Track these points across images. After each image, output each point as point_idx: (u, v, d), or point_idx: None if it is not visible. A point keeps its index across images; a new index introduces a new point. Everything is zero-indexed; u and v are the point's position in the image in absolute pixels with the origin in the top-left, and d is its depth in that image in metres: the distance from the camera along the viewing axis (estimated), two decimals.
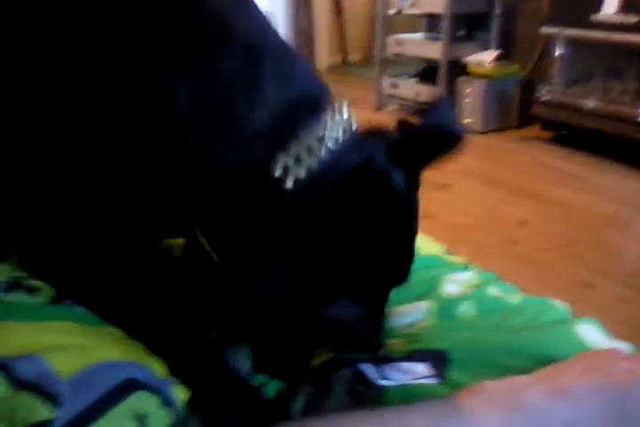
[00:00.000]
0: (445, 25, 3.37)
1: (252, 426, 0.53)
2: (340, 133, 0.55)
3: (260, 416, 0.58)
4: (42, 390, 0.49)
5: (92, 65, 0.50)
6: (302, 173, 0.52)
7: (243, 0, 0.58)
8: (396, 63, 3.96)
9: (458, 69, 3.46)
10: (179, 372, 0.57)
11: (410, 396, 0.60)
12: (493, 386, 0.55)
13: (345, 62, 5.13)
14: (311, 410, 0.60)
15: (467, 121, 3.40)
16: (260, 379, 0.67)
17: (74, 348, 0.55)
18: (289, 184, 0.52)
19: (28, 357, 0.52)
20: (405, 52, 3.74)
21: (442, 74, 3.46)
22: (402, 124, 0.60)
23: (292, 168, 0.52)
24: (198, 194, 0.54)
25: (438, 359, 0.64)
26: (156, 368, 0.56)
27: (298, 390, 0.63)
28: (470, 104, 3.39)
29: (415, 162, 0.59)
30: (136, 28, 0.50)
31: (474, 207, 2.54)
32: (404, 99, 3.75)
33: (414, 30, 3.93)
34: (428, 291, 0.77)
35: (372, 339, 0.67)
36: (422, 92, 3.61)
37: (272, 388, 0.66)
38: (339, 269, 0.56)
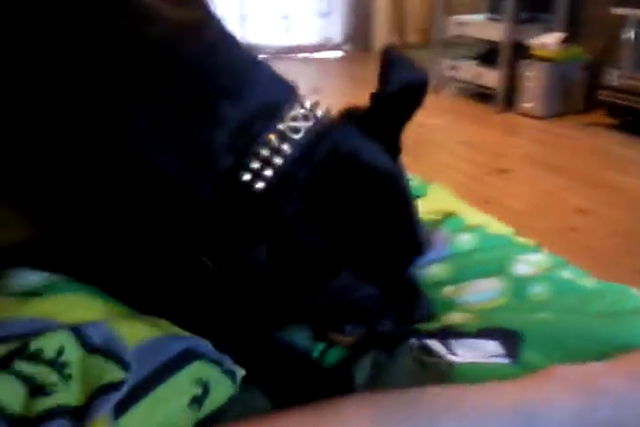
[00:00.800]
0: (509, 6, 3.27)
1: (315, 397, 0.53)
2: (306, 126, 0.57)
3: (321, 387, 0.59)
4: (112, 354, 0.51)
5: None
6: (269, 172, 0.54)
7: (196, 21, 0.59)
8: (455, 45, 3.87)
9: (520, 52, 3.36)
10: (230, 349, 0.59)
11: (480, 374, 0.59)
12: (571, 370, 0.54)
13: (403, 44, 5.05)
14: (376, 379, 0.60)
15: (527, 106, 3.32)
16: (321, 346, 0.67)
17: (138, 320, 0.58)
18: (259, 186, 0.54)
19: (96, 323, 0.54)
20: (466, 33, 3.65)
21: (503, 57, 3.37)
22: (371, 98, 0.60)
23: (259, 170, 0.54)
24: (182, 214, 0.57)
25: (510, 339, 0.63)
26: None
27: (361, 357, 0.63)
28: (532, 88, 3.29)
29: (390, 126, 0.60)
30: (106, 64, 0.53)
31: (533, 193, 2.48)
32: (463, 81, 3.68)
33: (475, 11, 3.83)
34: (499, 270, 0.75)
35: (407, 322, 0.66)
36: (482, 74, 3.53)
37: (334, 354, 0.66)
38: (330, 249, 0.57)
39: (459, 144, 3.03)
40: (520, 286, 0.72)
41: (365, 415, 0.49)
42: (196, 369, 0.53)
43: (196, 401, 0.51)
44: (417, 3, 4.91)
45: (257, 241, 0.55)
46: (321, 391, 0.56)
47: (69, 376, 0.49)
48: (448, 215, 0.88)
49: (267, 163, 0.54)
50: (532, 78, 3.28)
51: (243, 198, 0.55)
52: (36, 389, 0.47)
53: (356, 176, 0.56)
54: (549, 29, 3.43)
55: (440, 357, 0.61)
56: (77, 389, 0.48)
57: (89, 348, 0.51)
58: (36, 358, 0.49)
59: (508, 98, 3.42)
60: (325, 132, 0.57)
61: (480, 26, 3.57)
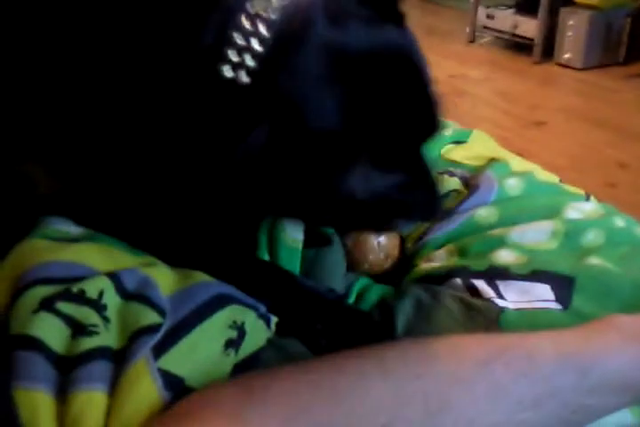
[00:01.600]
0: None
1: (355, 343, 0.51)
2: (277, 4, 0.49)
3: (360, 332, 0.57)
4: (147, 299, 0.51)
5: None
6: (249, 61, 0.48)
7: None
8: None
9: None
10: (262, 298, 0.57)
11: (531, 320, 0.57)
12: (628, 321, 0.52)
13: None
14: (419, 322, 0.58)
15: (567, 56, 3.19)
16: (363, 281, 0.66)
17: (171, 270, 0.58)
18: (244, 79, 0.48)
19: (132, 270, 0.54)
20: None
21: (543, 4, 3.22)
22: None
23: (237, 61, 0.48)
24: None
25: (562, 284, 0.61)
26: None
27: (404, 294, 0.61)
28: (573, 38, 3.16)
29: None
30: None
31: (571, 147, 2.40)
32: (500, 31, 3.53)
33: None
34: (550, 214, 0.72)
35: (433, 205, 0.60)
36: (520, 23, 3.38)
37: (376, 291, 0.64)
38: (343, 129, 0.50)
39: (494, 96, 2.94)
40: (572, 229, 0.69)
41: (409, 367, 0.47)
42: (231, 313, 0.53)
43: (233, 344, 0.51)
44: None
45: (253, 126, 0.48)
46: (360, 337, 0.55)
47: (108, 320, 0.49)
48: (492, 161, 0.85)
49: (243, 51, 0.48)
50: (574, 27, 3.14)
51: (230, 97, 0.48)
52: (78, 329, 0.47)
53: (345, 51, 0.49)
54: None
55: (488, 300, 0.59)
56: (116, 332, 0.49)
57: (125, 293, 0.52)
58: (78, 298, 0.49)
59: (546, 48, 3.29)
60: (305, 8, 0.50)
61: None
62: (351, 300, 0.64)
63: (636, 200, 2.00)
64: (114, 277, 0.52)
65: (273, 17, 0.49)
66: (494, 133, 2.66)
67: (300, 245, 0.64)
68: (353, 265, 0.68)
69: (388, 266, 0.70)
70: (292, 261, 0.63)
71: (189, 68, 0.49)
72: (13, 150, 0.62)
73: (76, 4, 0.52)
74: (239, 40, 0.48)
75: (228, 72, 0.48)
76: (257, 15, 0.49)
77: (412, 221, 0.63)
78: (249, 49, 0.48)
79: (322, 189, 0.52)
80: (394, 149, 0.54)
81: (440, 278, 0.64)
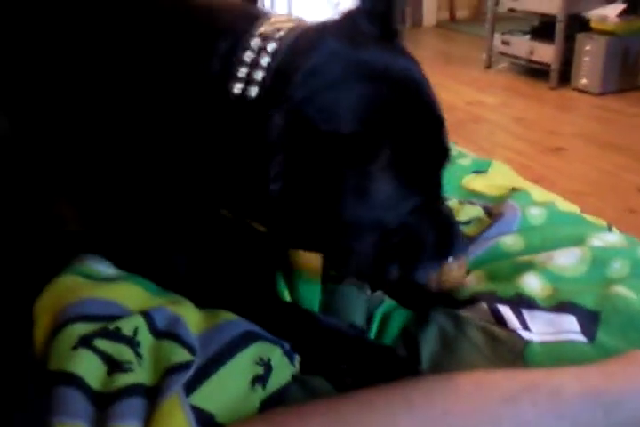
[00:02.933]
0: None
1: (381, 379, 0.51)
2: (287, 25, 0.52)
3: (385, 368, 0.57)
4: (178, 337, 0.53)
5: None
6: (259, 75, 0.49)
7: None
8: (507, 19, 3.75)
9: (577, 25, 3.22)
10: (285, 336, 0.58)
11: (556, 353, 0.57)
12: None
13: (453, 19, 4.92)
14: (443, 355, 0.58)
15: (584, 81, 3.19)
16: (387, 306, 0.66)
17: (198, 309, 0.59)
18: (252, 93, 0.49)
19: (163, 308, 0.56)
20: (520, 7, 3.52)
21: (559, 30, 3.24)
22: None
23: (247, 77, 0.49)
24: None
25: (587, 316, 0.61)
26: None
27: (428, 323, 0.61)
28: (590, 63, 3.16)
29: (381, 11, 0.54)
30: None
31: (590, 173, 2.39)
32: (517, 57, 3.55)
33: None
34: (575, 245, 0.72)
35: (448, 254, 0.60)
36: (537, 49, 3.41)
37: (399, 317, 0.64)
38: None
39: (511, 121, 2.95)
40: (599, 257, 0.69)
41: (436, 404, 0.47)
42: (257, 349, 0.54)
43: (260, 380, 0.52)
44: None
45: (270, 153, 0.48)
46: (386, 374, 0.55)
47: (142, 357, 0.51)
48: (513, 191, 0.85)
49: (254, 65, 0.50)
50: (590, 53, 3.15)
51: (242, 115, 0.49)
52: (114, 365, 0.49)
53: (354, 64, 0.50)
54: (609, 1, 3.28)
55: (513, 331, 0.59)
56: (149, 369, 0.50)
57: (157, 332, 0.53)
58: (114, 336, 0.51)
59: (563, 73, 3.30)
60: (313, 29, 0.52)
61: None
62: (374, 326, 0.64)
63: None
64: (146, 315, 0.54)
65: (280, 34, 0.51)
66: (512, 159, 2.67)
67: (319, 279, 0.65)
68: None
69: (462, 279, 0.68)
70: (311, 296, 0.64)
71: (203, 92, 0.50)
72: (47, 191, 0.64)
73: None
74: (248, 56, 0.50)
75: (236, 89, 0.49)
76: (266, 34, 0.51)
77: (433, 261, 0.60)
78: (257, 63, 0.49)
79: (340, 215, 0.51)
80: (414, 171, 0.53)
81: (466, 302, 0.64)
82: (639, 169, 2.40)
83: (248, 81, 0.49)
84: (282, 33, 0.51)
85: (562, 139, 2.71)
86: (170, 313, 0.55)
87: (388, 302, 0.67)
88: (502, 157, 2.42)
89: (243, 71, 0.50)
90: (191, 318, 0.56)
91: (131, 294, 0.58)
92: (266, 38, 0.51)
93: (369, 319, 0.64)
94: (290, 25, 0.53)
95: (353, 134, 0.48)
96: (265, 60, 0.50)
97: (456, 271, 0.66)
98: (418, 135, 0.53)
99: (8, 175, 0.63)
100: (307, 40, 0.50)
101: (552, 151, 2.55)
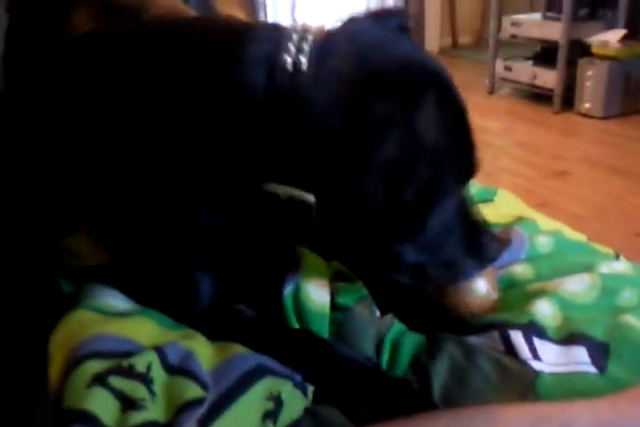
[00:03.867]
0: (566, 3, 3.18)
1: (393, 413, 0.51)
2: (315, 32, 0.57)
3: (398, 401, 0.57)
4: (191, 373, 0.53)
5: None
6: (304, 58, 0.53)
7: None
8: (509, 45, 3.79)
9: (579, 51, 3.26)
10: (301, 366, 0.59)
11: (567, 385, 0.57)
12: None
13: (455, 45, 4.98)
14: (455, 387, 0.58)
15: (587, 106, 3.22)
16: (396, 331, 0.66)
17: (209, 342, 0.60)
18: (303, 61, 0.53)
19: (175, 344, 0.57)
20: (522, 33, 3.57)
21: (561, 55, 3.28)
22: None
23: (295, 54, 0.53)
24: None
25: (598, 347, 0.61)
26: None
27: (439, 352, 0.61)
28: (592, 88, 3.19)
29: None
30: None
31: (595, 197, 2.40)
32: (519, 82, 3.59)
33: (531, 10, 3.75)
34: (584, 271, 0.72)
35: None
36: (538, 75, 3.44)
37: (410, 344, 0.64)
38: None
39: (516, 146, 2.96)
40: (609, 284, 0.70)
41: None
42: (267, 384, 0.54)
43: (271, 416, 0.52)
44: (469, 3, 4.84)
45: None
46: (399, 406, 0.55)
47: (155, 394, 0.51)
48: (520, 219, 0.86)
49: (299, 51, 0.54)
50: (593, 78, 3.18)
51: (293, 79, 0.52)
52: (128, 403, 0.49)
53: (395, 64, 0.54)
54: (610, 26, 3.32)
55: (524, 362, 0.59)
56: (162, 406, 0.51)
57: (170, 367, 0.54)
58: (128, 373, 0.51)
59: (566, 98, 3.32)
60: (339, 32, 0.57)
61: (536, 25, 3.48)
62: (385, 356, 0.64)
63: None
64: (159, 351, 0.54)
65: (310, 38, 0.55)
66: (517, 184, 2.67)
67: (328, 309, 0.65)
68: (452, 308, 0.68)
69: (486, 308, 0.69)
70: (320, 326, 0.64)
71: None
72: (61, 225, 0.65)
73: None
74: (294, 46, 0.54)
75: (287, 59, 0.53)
76: (298, 39, 0.55)
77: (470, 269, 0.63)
78: (300, 49, 0.54)
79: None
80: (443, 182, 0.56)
81: (478, 329, 0.64)
82: None
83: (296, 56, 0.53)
84: (311, 37, 0.56)
85: (566, 163, 2.72)
86: (182, 348, 0.56)
87: (398, 326, 0.67)
88: (507, 181, 2.43)
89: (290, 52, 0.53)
90: (203, 352, 0.56)
91: (144, 329, 0.58)
92: (301, 39, 0.55)
93: (378, 346, 0.65)
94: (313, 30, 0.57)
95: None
96: (306, 48, 0.54)
97: (484, 300, 0.67)
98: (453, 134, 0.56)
99: (20, 208, 0.64)
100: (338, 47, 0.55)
101: (557, 176, 2.56)
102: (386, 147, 0.51)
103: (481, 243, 0.61)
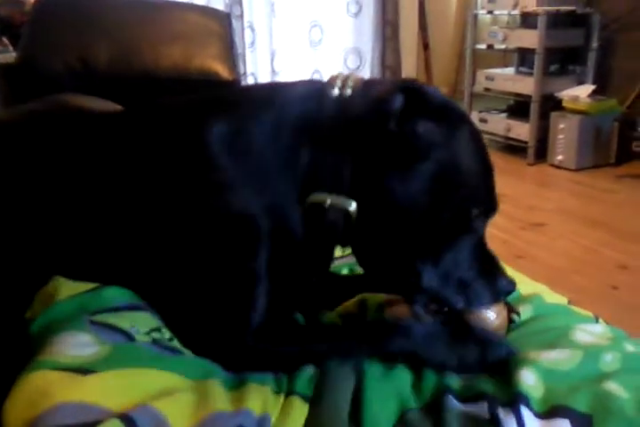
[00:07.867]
0: (538, 60, 3.30)
1: None
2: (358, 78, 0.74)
3: None
4: None
5: None
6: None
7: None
8: (483, 98, 3.90)
9: (551, 104, 3.37)
10: None
11: None
12: None
13: None
14: None
15: (560, 158, 3.29)
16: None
17: (187, 400, 0.57)
18: (347, 91, 0.72)
19: (145, 407, 0.54)
20: (495, 86, 3.68)
21: (534, 109, 3.38)
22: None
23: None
24: None
25: (581, 420, 0.60)
26: (256, 409, 0.58)
27: None
28: (564, 140, 3.28)
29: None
30: None
31: (572, 249, 2.42)
32: (494, 134, 3.67)
33: (504, 65, 3.87)
34: (560, 337, 0.72)
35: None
36: (513, 127, 3.53)
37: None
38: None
39: None
40: (590, 350, 0.69)
41: None
42: None
43: None
44: (444, 57, 4.99)
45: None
46: None
47: None
48: None
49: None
50: (564, 131, 3.27)
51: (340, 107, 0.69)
52: None
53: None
54: (580, 82, 3.44)
55: None
56: None
57: None
58: None
59: (539, 150, 3.40)
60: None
61: (509, 79, 3.60)
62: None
63: (637, 302, 1.99)
64: (127, 419, 0.51)
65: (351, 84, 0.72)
66: (493, 236, 2.67)
67: None
68: None
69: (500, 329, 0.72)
70: None
71: None
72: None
73: None
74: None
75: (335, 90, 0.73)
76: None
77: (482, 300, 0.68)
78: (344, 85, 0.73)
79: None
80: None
81: (471, 398, 0.64)
82: (618, 245, 2.43)
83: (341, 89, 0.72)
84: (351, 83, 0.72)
85: (542, 214, 2.76)
86: (154, 413, 0.53)
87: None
88: None
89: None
90: (177, 413, 0.54)
91: (110, 389, 0.55)
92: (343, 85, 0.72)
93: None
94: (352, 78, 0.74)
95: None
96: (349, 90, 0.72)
97: (495, 321, 0.68)
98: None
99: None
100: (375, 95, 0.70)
101: (533, 227, 2.59)
102: (430, 159, 0.63)
103: (496, 276, 0.67)
